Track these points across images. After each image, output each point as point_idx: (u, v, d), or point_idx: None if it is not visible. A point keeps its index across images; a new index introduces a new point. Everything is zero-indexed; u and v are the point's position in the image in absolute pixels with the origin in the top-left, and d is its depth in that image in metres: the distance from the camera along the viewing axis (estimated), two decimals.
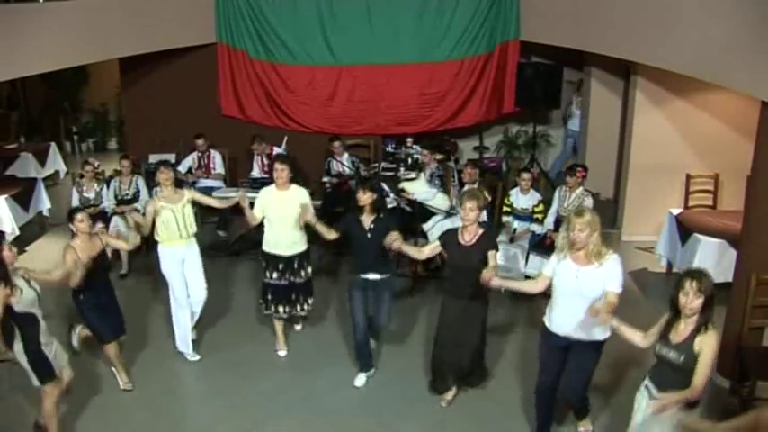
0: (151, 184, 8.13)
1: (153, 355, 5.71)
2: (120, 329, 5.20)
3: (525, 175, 6.88)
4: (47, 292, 4.60)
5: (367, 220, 5.11)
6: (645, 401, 3.62)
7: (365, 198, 5.07)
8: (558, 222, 6.73)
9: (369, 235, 5.08)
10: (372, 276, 5.13)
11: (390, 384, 5.33)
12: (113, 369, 5.31)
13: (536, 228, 6.82)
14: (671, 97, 7.53)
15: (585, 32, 7.54)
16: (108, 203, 7.49)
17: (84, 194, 7.47)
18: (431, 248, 4.98)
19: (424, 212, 6.97)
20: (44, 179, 9.51)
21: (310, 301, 5.77)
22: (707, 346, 3.30)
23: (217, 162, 8.52)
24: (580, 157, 9.46)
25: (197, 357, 5.71)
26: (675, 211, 7.06)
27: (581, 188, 6.76)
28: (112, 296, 5.17)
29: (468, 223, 4.65)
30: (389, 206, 7.61)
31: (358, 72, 8.85)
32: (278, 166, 5.45)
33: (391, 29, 8.70)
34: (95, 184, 7.53)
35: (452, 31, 8.71)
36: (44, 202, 8.62)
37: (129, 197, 7.50)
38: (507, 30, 8.82)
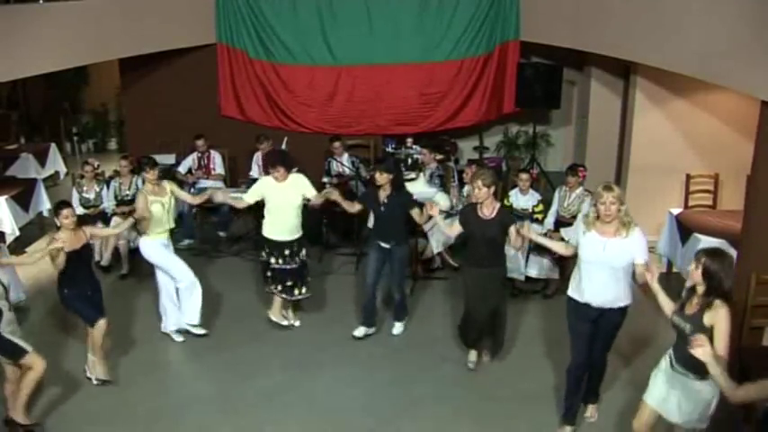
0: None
1: (153, 355, 5.71)
2: (104, 312, 5.25)
3: (524, 176, 6.88)
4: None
5: (383, 194, 5.64)
6: (663, 371, 3.80)
7: (382, 179, 5.58)
8: (557, 223, 6.73)
9: (383, 208, 5.65)
10: (385, 244, 5.69)
11: (390, 384, 5.32)
12: (92, 358, 5.29)
13: (536, 228, 6.81)
14: (671, 97, 7.52)
15: (585, 33, 7.54)
16: (108, 204, 7.50)
17: (85, 195, 7.48)
18: (458, 228, 5.28)
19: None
20: (44, 180, 9.50)
21: (308, 282, 6.07)
22: (719, 320, 3.41)
23: (217, 162, 8.52)
24: (580, 156, 9.46)
25: (203, 331, 5.97)
26: (675, 211, 7.06)
27: (581, 188, 6.76)
28: (97, 290, 5.26)
29: (482, 200, 5.04)
30: None
31: (358, 72, 8.85)
32: (272, 170, 5.79)
33: (391, 29, 8.70)
34: (95, 185, 7.54)
35: (452, 31, 8.71)
36: (44, 203, 8.61)
37: (129, 198, 7.50)
38: (507, 30, 8.82)
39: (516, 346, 5.81)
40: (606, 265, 4.27)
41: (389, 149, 8.99)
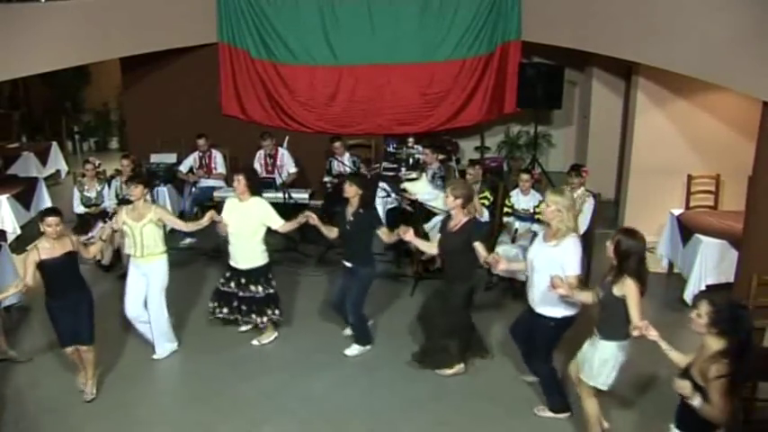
0: (152, 183, 8.15)
1: (153, 355, 5.70)
2: (81, 337, 4.91)
3: (524, 176, 6.87)
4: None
5: (350, 210, 5.47)
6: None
7: (351, 191, 5.40)
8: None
9: (348, 226, 5.45)
10: (348, 264, 5.53)
11: (390, 384, 5.32)
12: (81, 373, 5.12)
13: (537, 228, 6.80)
14: (672, 98, 7.52)
15: (587, 33, 7.54)
16: (109, 203, 7.50)
17: (86, 194, 7.48)
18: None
19: (425, 213, 6.97)
20: (45, 179, 9.54)
21: (272, 312, 5.75)
22: (627, 292, 3.86)
23: (218, 162, 8.53)
24: (581, 157, 9.46)
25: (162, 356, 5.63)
26: (677, 212, 7.05)
27: (582, 188, 6.75)
28: (83, 300, 4.91)
29: (449, 209, 5.09)
30: (390, 206, 7.65)
31: (359, 72, 8.85)
32: (236, 176, 5.55)
33: (393, 29, 8.70)
34: (97, 184, 7.54)
35: (454, 31, 8.70)
36: (45, 202, 8.62)
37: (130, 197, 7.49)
38: (508, 30, 8.81)
39: (516, 347, 5.78)
40: (532, 268, 4.51)
41: (391, 149, 9.00)
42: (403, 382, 5.34)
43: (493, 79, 8.93)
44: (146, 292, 5.45)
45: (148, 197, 5.51)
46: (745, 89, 5.41)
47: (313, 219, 5.52)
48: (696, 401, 3.18)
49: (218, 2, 8.82)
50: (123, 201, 7.46)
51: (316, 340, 5.96)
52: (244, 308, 5.69)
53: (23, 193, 8.16)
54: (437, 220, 6.82)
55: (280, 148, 8.35)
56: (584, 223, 6.65)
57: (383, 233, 5.45)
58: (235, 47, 8.98)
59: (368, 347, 5.77)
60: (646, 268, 3.95)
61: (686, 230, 6.65)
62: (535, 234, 6.75)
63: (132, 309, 5.48)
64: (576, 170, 6.81)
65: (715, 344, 3.21)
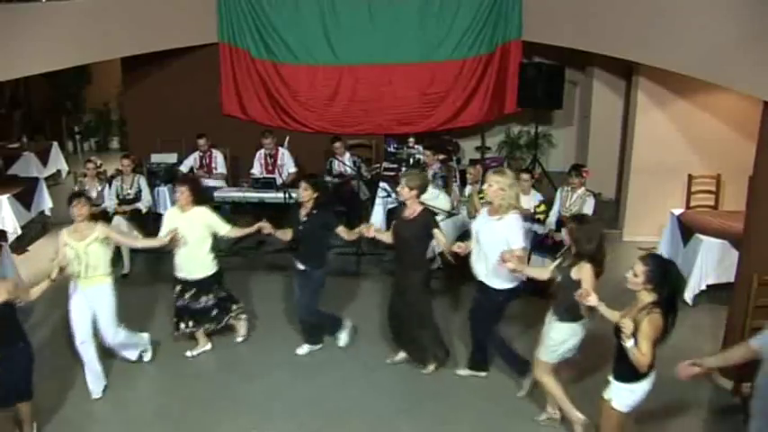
0: (153, 183, 8.16)
1: (152, 355, 5.70)
2: (20, 395, 4.40)
3: (525, 176, 6.86)
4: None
5: (303, 212, 5.42)
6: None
7: (306, 194, 5.35)
8: (559, 223, 6.72)
9: (301, 227, 5.40)
10: (300, 266, 5.47)
11: (390, 384, 5.32)
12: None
13: (538, 228, 6.80)
14: (673, 97, 7.52)
15: (588, 33, 7.53)
16: (110, 203, 7.50)
17: (86, 194, 7.47)
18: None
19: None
20: (46, 178, 9.55)
21: (235, 306, 5.76)
22: (582, 275, 4.12)
23: (218, 162, 8.53)
24: (582, 157, 9.45)
25: (98, 395, 5.13)
26: (677, 212, 7.05)
27: (583, 188, 6.75)
28: (16, 356, 4.32)
29: (403, 200, 5.15)
30: (390, 206, 7.64)
31: (360, 72, 8.86)
32: (179, 187, 5.40)
33: (393, 29, 8.70)
34: (97, 184, 7.54)
35: (454, 30, 8.71)
36: (46, 202, 8.65)
37: (130, 197, 7.51)
38: (509, 30, 8.81)
39: (516, 347, 5.78)
40: (477, 241, 4.82)
41: (391, 149, 9.01)
42: (403, 382, 5.34)
43: (493, 79, 8.93)
44: (93, 319, 5.01)
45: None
46: (745, 89, 5.40)
47: (266, 228, 5.46)
48: (630, 342, 3.57)
49: (218, 2, 8.83)
50: (124, 201, 7.49)
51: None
52: (206, 315, 5.58)
53: (24, 193, 8.16)
54: (438, 219, 6.81)
55: (280, 148, 8.36)
56: None
57: (342, 231, 5.43)
58: (235, 47, 8.98)
59: (318, 347, 5.77)
60: (603, 252, 4.25)
61: (687, 230, 6.65)
62: (535, 233, 6.77)
63: (81, 335, 4.97)
64: (577, 170, 6.81)
65: (647, 297, 3.64)
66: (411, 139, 8.50)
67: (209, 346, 5.78)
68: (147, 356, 5.62)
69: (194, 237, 5.35)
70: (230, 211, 8.15)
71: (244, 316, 5.92)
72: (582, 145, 9.77)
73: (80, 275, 4.91)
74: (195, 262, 5.43)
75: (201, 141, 8.39)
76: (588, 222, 4.31)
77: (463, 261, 5.04)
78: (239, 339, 5.90)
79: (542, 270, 4.62)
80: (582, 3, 7.60)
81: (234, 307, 5.80)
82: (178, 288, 5.52)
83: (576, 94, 10.04)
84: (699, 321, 6.15)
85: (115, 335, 5.16)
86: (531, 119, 9.58)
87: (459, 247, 4.97)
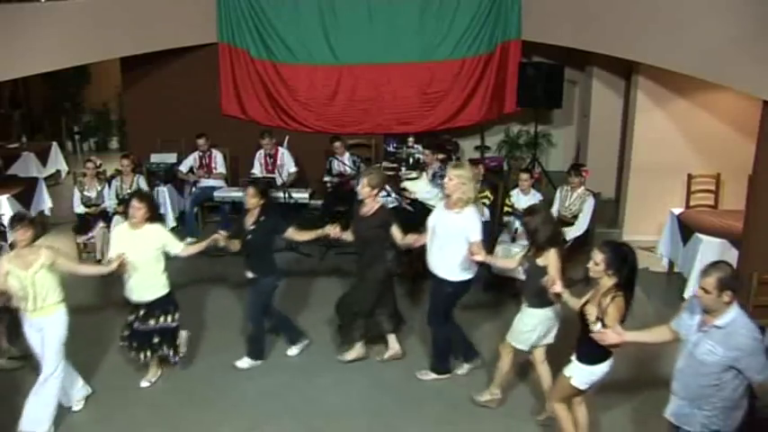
0: (153, 183, 8.17)
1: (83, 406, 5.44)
2: None
3: (524, 176, 6.87)
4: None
5: (250, 220, 5.30)
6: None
7: (252, 202, 5.25)
8: (559, 222, 6.72)
9: (249, 236, 5.27)
10: (250, 274, 5.36)
11: (390, 384, 5.32)
12: None
13: None
14: (672, 97, 7.52)
15: (587, 32, 7.54)
16: (109, 203, 7.50)
17: (86, 193, 7.48)
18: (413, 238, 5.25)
19: (425, 212, 6.94)
20: (46, 178, 9.54)
21: (177, 343, 5.32)
22: (549, 260, 4.32)
23: (218, 161, 8.53)
24: (581, 156, 9.45)
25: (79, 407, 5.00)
26: (677, 211, 7.05)
27: (582, 188, 6.75)
28: None
29: (362, 197, 5.22)
30: (390, 205, 7.64)
31: (359, 71, 8.85)
32: (135, 203, 4.94)
33: (392, 28, 8.69)
34: (97, 184, 7.54)
35: (453, 30, 8.70)
36: (46, 202, 8.64)
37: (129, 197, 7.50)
38: (509, 29, 8.81)
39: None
40: (435, 235, 4.91)
41: (391, 149, 9.00)
42: (403, 382, 5.35)
43: (493, 79, 8.93)
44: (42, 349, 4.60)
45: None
46: (744, 88, 5.41)
47: (220, 241, 5.25)
48: (597, 326, 3.78)
49: (217, 2, 8.82)
50: (123, 201, 7.48)
51: (316, 340, 5.95)
52: (155, 341, 5.16)
53: (24, 193, 8.16)
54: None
55: (280, 148, 8.36)
56: (584, 222, 6.66)
57: (292, 233, 5.39)
58: (235, 47, 8.97)
59: (259, 362, 5.54)
60: (560, 236, 4.61)
61: (686, 229, 6.65)
62: None
63: (47, 367, 4.59)
64: (576, 170, 6.82)
65: (609, 281, 3.85)
66: (410, 139, 8.49)
67: (159, 373, 5.38)
68: (78, 407, 5.00)
69: (146, 256, 4.94)
70: (230, 210, 8.18)
71: (185, 335, 5.43)
72: (581, 144, 9.76)
73: (27, 308, 4.48)
74: (147, 283, 5.00)
75: (201, 141, 8.39)
76: (538, 211, 4.54)
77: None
78: (145, 383, 5.32)
79: (509, 260, 4.83)
80: (581, 2, 7.60)
81: (181, 334, 5.37)
82: (130, 311, 5.14)
83: (576, 93, 10.04)
84: None
85: (60, 369, 4.61)
86: (530, 118, 9.57)
87: (412, 239, 5.12)
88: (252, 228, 5.28)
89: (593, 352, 3.95)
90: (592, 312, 3.83)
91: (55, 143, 10.89)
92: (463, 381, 5.31)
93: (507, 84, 9.04)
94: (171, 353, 5.26)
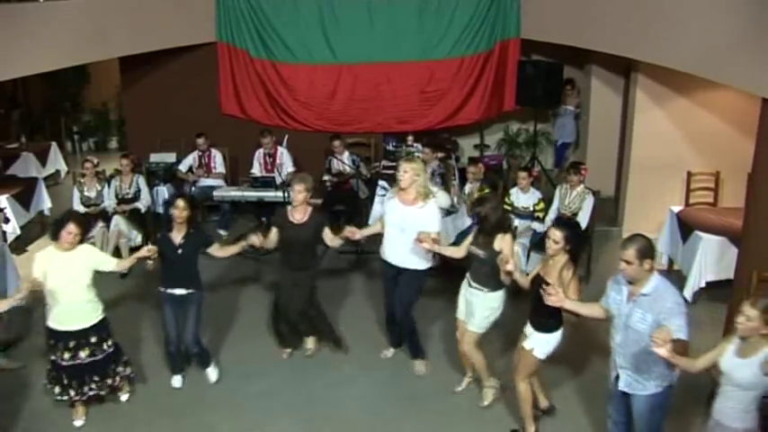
0: (152, 182, 8.17)
1: (152, 356, 5.70)
2: None
3: (522, 174, 6.87)
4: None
5: (177, 236, 4.99)
6: (463, 291, 4.89)
7: (182, 216, 4.91)
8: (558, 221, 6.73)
9: (180, 251, 4.97)
10: (180, 291, 5.04)
11: (390, 384, 5.33)
12: None
13: (537, 226, 6.81)
14: (672, 95, 7.51)
15: (586, 30, 7.53)
16: (109, 203, 7.50)
17: (86, 193, 7.48)
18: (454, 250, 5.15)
19: None
20: (45, 179, 9.53)
21: (123, 369, 5.00)
22: (504, 244, 4.55)
23: (218, 161, 8.54)
24: (580, 154, 9.45)
25: None
26: (676, 209, 7.05)
27: (582, 186, 6.75)
28: None
29: (297, 204, 5.20)
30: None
31: (358, 70, 8.84)
32: (68, 225, 4.55)
33: (392, 27, 8.69)
34: (97, 184, 7.54)
35: (453, 29, 8.70)
36: (45, 202, 8.64)
37: (129, 196, 7.52)
38: (508, 28, 8.80)
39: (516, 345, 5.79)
40: (399, 228, 5.00)
41: (390, 147, 9.00)
42: (403, 381, 5.35)
43: (492, 77, 8.93)
44: None
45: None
46: (744, 86, 5.40)
47: (148, 253, 4.86)
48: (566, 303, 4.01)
49: (216, 1, 8.81)
50: (123, 200, 7.49)
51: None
52: (93, 377, 4.78)
53: (23, 193, 8.16)
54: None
55: (279, 147, 8.36)
56: (583, 220, 6.66)
57: (215, 249, 5.19)
58: (234, 46, 8.97)
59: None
60: (507, 222, 4.80)
61: (686, 227, 6.65)
62: (535, 232, 6.77)
63: None
64: (575, 168, 6.82)
65: (563, 257, 4.18)
66: (410, 138, 8.49)
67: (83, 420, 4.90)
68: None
69: (75, 281, 4.57)
70: (230, 210, 8.19)
71: (130, 369, 5.11)
72: (581, 142, 9.75)
73: None
74: (77, 310, 4.62)
75: (200, 141, 8.39)
76: (488, 200, 4.80)
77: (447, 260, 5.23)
78: (124, 398, 5.13)
79: (457, 249, 4.93)
80: (581, 1, 7.59)
81: (126, 369, 5.04)
82: (52, 343, 4.67)
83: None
84: (698, 318, 6.13)
85: None
86: (529, 117, 9.57)
87: (350, 232, 5.24)
88: (182, 242, 4.98)
89: (549, 320, 4.29)
90: (556, 291, 3.96)
91: (54, 143, 10.88)
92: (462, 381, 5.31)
93: (506, 82, 9.03)
94: (112, 381, 4.90)
